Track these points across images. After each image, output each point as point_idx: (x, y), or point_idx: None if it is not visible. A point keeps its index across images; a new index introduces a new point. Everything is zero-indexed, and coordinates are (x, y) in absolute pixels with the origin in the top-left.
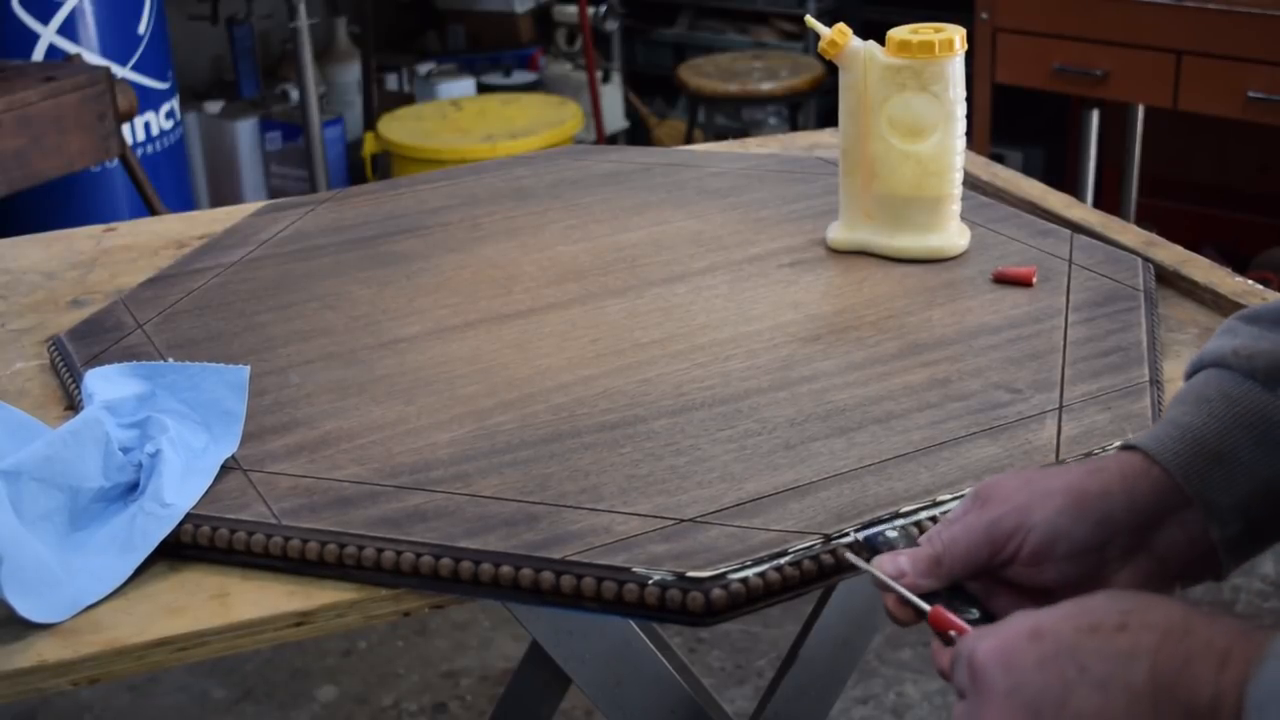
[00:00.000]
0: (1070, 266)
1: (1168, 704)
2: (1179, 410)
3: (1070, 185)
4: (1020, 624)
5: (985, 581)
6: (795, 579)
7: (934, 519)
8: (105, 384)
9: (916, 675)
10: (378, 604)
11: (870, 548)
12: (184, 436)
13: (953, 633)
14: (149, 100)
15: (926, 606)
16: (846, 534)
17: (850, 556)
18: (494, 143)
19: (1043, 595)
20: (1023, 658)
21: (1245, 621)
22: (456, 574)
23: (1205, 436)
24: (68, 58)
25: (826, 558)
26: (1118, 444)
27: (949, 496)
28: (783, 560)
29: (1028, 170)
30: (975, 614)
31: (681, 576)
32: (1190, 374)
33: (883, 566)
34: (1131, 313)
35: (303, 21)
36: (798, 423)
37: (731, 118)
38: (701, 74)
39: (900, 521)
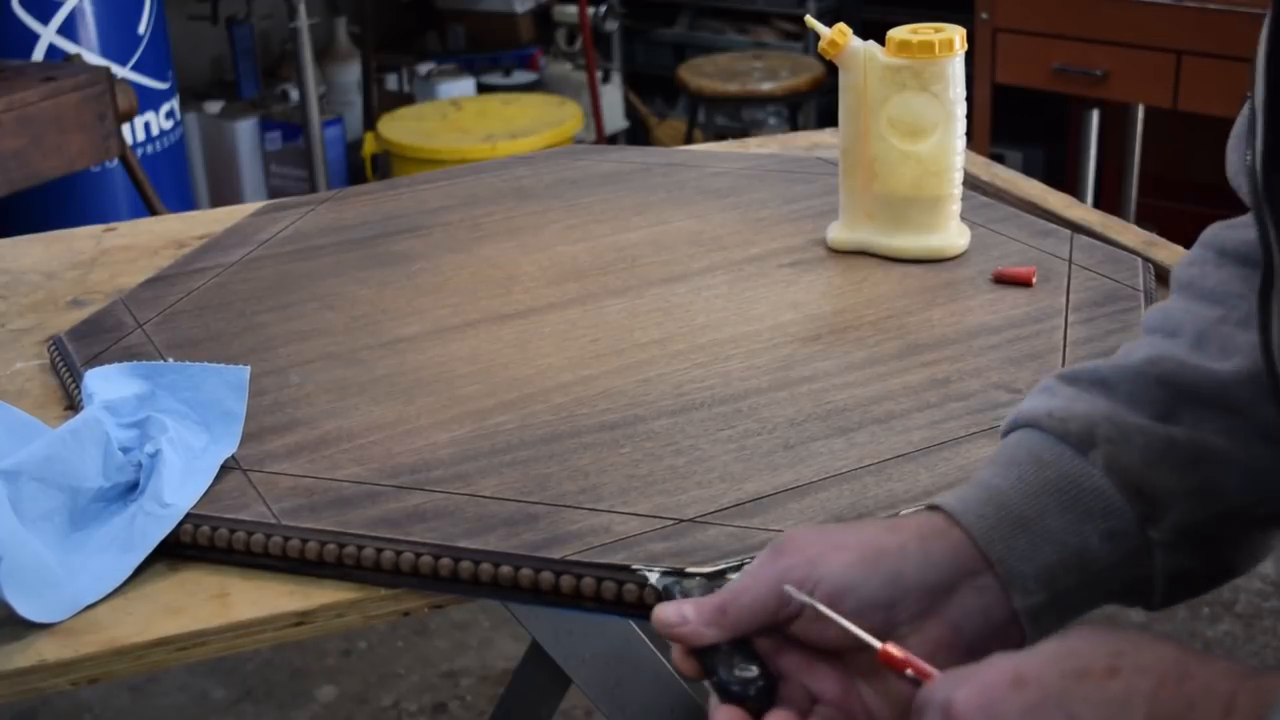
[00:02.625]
0: (1070, 266)
1: None
2: (989, 472)
3: (1070, 185)
4: (999, 669)
5: (774, 639)
6: None
7: None
8: (105, 384)
9: None
10: (377, 604)
11: (664, 594)
12: (184, 436)
13: (909, 672)
14: (149, 100)
15: (876, 644)
16: (647, 576)
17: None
18: (494, 143)
19: (831, 656)
20: (1006, 707)
21: (1241, 664)
22: (456, 574)
23: (1011, 501)
24: (68, 58)
25: None
26: (924, 504)
27: None
28: None
29: (1028, 170)
30: (754, 671)
31: (681, 573)
32: (1006, 432)
33: (663, 613)
34: (1131, 313)
35: (303, 21)
36: (797, 423)
37: (731, 118)
38: (701, 74)
39: (709, 569)
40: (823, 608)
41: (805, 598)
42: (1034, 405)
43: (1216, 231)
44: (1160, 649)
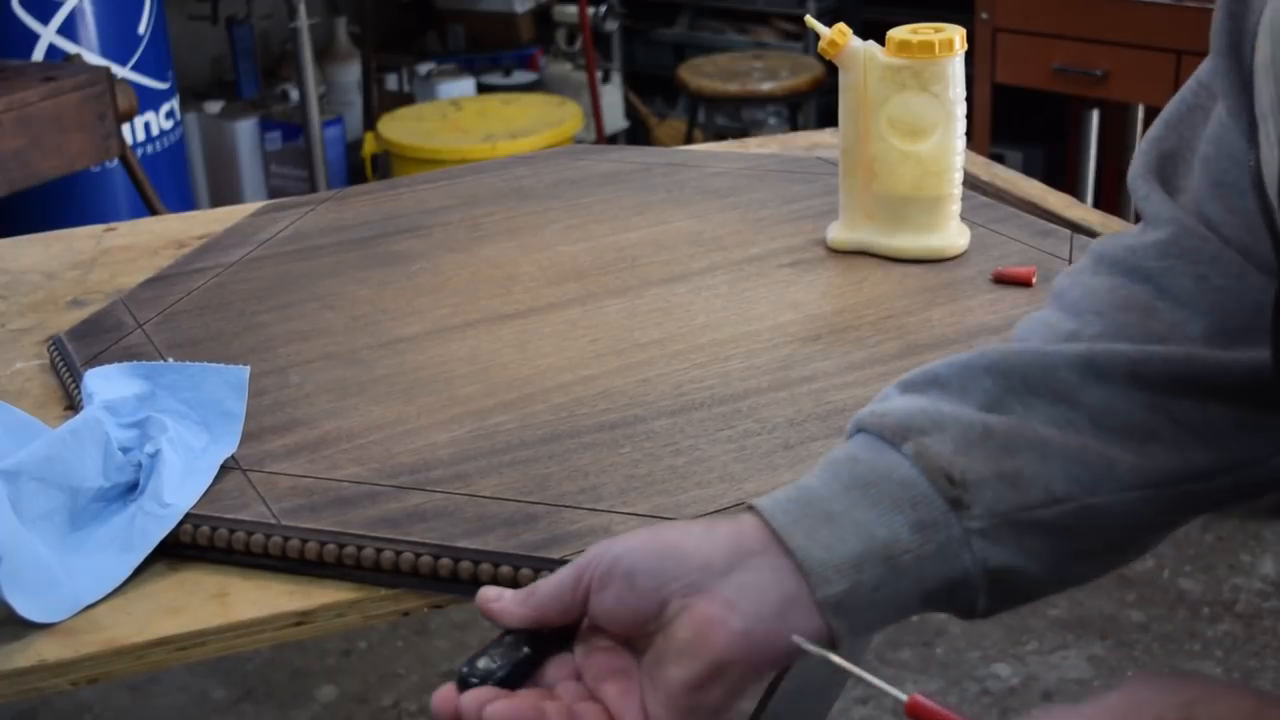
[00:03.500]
0: (1070, 267)
1: None
2: (806, 474)
3: (1070, 185)
4: None
5: (582, 634)
6: None
7: None
8: (105, 384)
9: (917, 675)
10: (377, 604)
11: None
12: (184, 436)
13: None
14: (149, 100)
15: (902, 696)
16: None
17: (807, 646)
18: (494, 143)
19: (619, 640)
20: None
21: None
22: (456, 574)
23: (818, 495)
24: (68, 58)
25: None
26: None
27: None
28: None
29: (1028, 170)
30: (497, 664)
31: None
32: (848, 438)
33: (485, 591)
34: None
35: (303, 21)
36: (797, 423)
37: (731, 118)
38: (701, 74)
39: None
40: (834, 657)
41: (812, 647)
42: (864, 409)
43: (1104, 240)
44: (1235, 696)
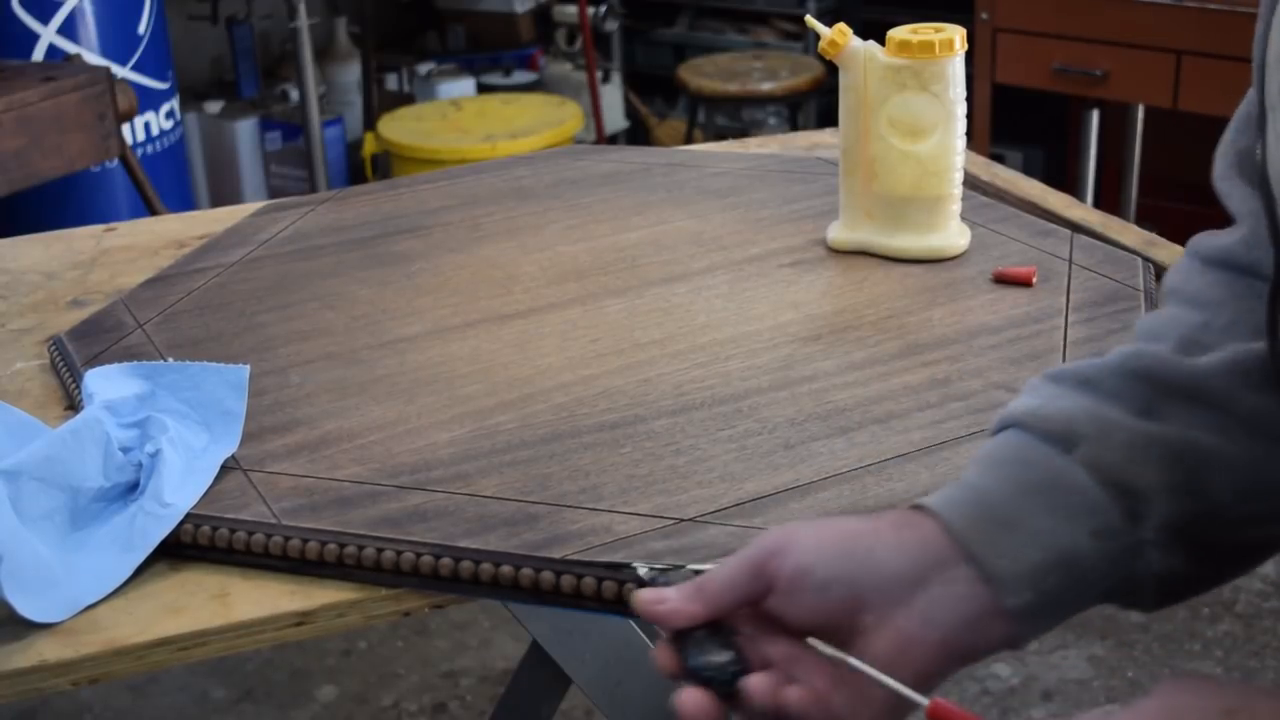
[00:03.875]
0: (1070, 266)
1: None
2: (973, 472)
3: (1070, 185)
4: None
5: (755, 623)
6: None
7: None
8: (105, 384)
9: None
10: (378, 604)
11: (649, 585)
12: (184, 436)
13: None
14: (149, 100)
15: (924, 700)
16: (636, 569)
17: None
18: (494, 143)
19: (800, 637)
20: None
21: None
22: (456, 574)
23: (994, 501)
24: (68, 58)
25: None
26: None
27: None
28: None
29: (1028, 170)
30: (727, 656)
31: (679, 569)
32: (994, 433)
33: (643, 595)
34: (1131, 313)
35: (303, 21)
36: (798, 422)
37: (731, 118)
38: (701, 74)
39: (696, 565)
40: (854, 661)
41: (831, 650)
42: (1017, 405)
43: (1199, 240)
44: (1274, 702)
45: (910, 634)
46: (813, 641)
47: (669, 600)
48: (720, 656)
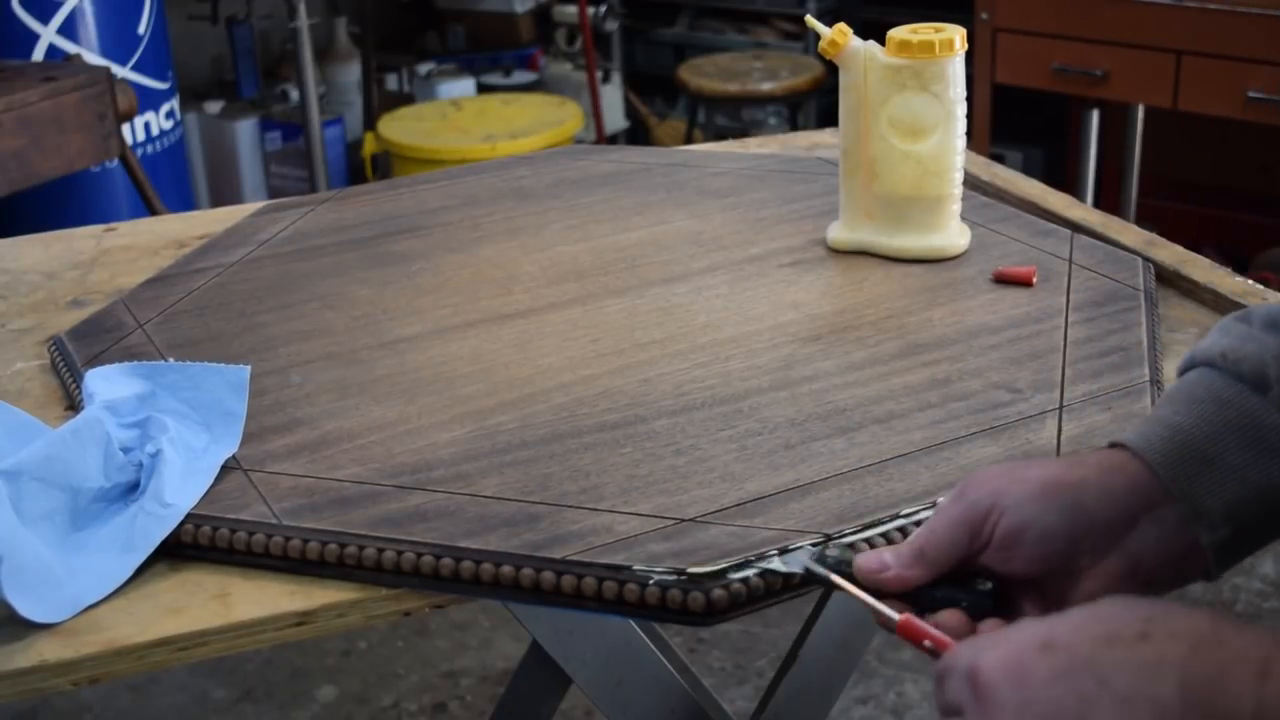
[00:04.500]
0: (1070, 266)
1: (1201, 718)
2: (1169, 409)
3: (1070, 185)
4: (1028, 634)
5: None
6: (796, 579)
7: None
8: (106, 384)
9: (916, 675)
10: (378, 604)
11: (809, 576)
12: (184, 436)
13: (927, 643)
14: (149, 100)
15: (895, 615)
16: (826, 545)
17: (818, 569)
18: (494, 143)
19: (1019, 588)
20: (1034, 672)
21: (1276, 630)
22: (457, 574)
23: (1194, 439)
24: (68, 58)
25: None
26: (1107, 443)
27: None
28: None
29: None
30: (988, 585)
31: (682, 574)
32: (1182, 371)
33: (864, 563)
34: (1132, 313)
35: (303, 21)
36: (798, 422)
37: (731, 118)
38: (701, 74)
39: (871, 532)
40: (842, 582)
41: (824, 571)
42: (1210, 344)
43: None
44: (1193, 615)
45: (1120, 573)
46: (810, 565)
47: (891, 567)
48: (983, 585)
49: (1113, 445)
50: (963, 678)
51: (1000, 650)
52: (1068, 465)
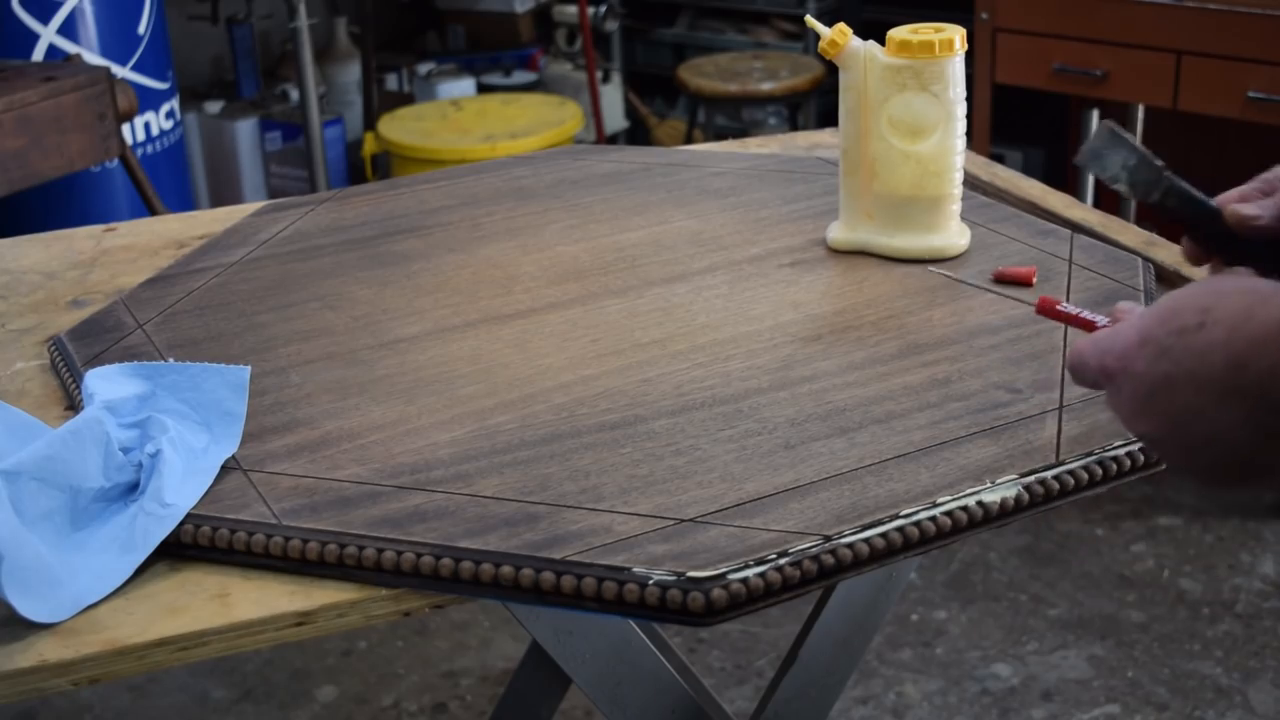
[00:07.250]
0: (1070, 266)
1: (1242, 378)
2: None
3: (1070, 185)
4: (1130, 333)
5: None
6: (795, 579)
7: (933, 519)
8: (105, 384)
9: (916, 675)
10: (378, 604)
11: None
12: (184, 437)
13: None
14: (149, 100)
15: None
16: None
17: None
18: (494, 143)
19: None
20: (1136, 362)
21: None
22: (457, 574)
23: None
24: (68, 58)
25: (827, 558)
26: None
27: (949, 498)
28: (783, 560)
29: (1028, 170)
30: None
31: (682, 576)
32: None
33: (1241, 209)
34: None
35: (303, 21)
36: (798, 423)
37: (731, 118)
38: (701, 74)
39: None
40: (949, 273)
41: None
42: None
43: None
44: (1240, 297)
45: None
46: (933, 268)
47: (1253, 205)
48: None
49: None
50: (1095, 364)
51: (1118, 345)
52: None
